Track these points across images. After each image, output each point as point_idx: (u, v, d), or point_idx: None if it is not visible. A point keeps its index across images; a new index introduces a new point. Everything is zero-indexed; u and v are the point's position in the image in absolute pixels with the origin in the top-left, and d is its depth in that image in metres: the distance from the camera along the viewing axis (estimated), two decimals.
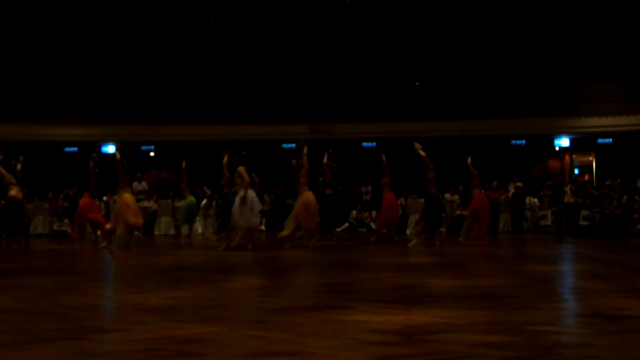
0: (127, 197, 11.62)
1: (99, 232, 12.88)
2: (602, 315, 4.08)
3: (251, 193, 10.49)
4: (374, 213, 18.61)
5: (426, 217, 11.84)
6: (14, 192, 11.63)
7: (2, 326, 3.80)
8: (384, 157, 12.30)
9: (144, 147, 21.63)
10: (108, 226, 11.86)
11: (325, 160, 13.00)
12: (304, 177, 11.35)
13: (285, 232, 11.35)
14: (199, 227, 16.95)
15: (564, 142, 21.10)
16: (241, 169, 10.47)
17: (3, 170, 11.76)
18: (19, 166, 12.26)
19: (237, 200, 10.38)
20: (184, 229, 16.45)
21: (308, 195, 11.23)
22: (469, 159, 12.90)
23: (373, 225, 18.30)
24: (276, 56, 21.76)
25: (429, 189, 12.02)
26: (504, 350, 3.06)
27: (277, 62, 21.79)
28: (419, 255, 9.57)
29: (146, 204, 17.41)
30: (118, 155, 11.92)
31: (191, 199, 15.68)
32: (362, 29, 21.67)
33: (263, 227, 18.50)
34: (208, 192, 16.71)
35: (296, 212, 11.22)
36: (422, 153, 12.13)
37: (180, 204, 16.49)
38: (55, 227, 17.28)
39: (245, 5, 21.47)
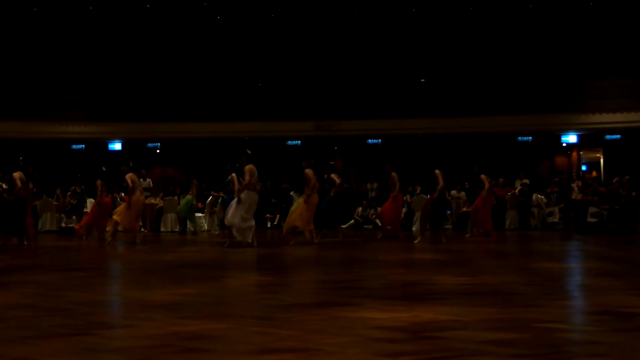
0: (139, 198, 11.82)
1: (108, 228, 13.05)
2: (610, 312, 4.06)
3: (254, 195, 10.44)
4: (379, 209, 18.60)
5: (431, 214, 11.86)
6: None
7: (11, 322, 3.81)
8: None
9: (149, 145, 21.69)
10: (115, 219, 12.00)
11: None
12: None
13: (285, 229, 11.46)
14: (204, 224, 17.00)
15: (571, 138, 20.99)
16: (250, 167, 10.45)
17: (18, 180, 11.84)
18: (36, 173, 12.57)
19: (235, 198, 10.41)
20: (190, 226, 16.51)
21: (313, 197, 11.30)
22: (476, 168, 13.14)
23: (378, 222, 18.30)
24: (281, 53, 21.75)
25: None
26: (511, 347, 3.04)
27: (282, 59, 21.78)
28: (425, 253, 9.56)
29: (152, 200, 17.47)
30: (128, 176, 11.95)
31: (188, 197, 15.91)
32: (368, 25, 21.64)
33: (271, 224, 18.56)
34: (220, 194, 16.78)
35: (295, 210, 11.33)
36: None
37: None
38: (62, 224, 17.35)
39: (250, 3, 21.47)
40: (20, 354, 2.96)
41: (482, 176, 13.15)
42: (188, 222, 16.66)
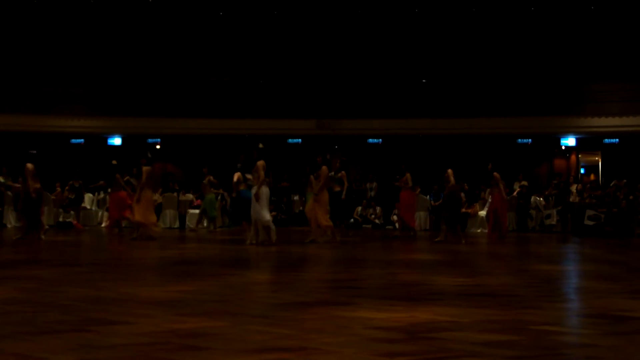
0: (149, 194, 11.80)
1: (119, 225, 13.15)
2: (606, 315, 4.08)
3: (264, 189, 10.49)
4: (378, 209, 18.63)
5: (445, 212, 11.98)
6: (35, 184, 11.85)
7: (8, 317, 3.82)
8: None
9: (150, 140, 21.68)
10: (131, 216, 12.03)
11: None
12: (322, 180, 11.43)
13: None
14: (204, 221, 17.02)
15: (570, 141, 21.04)
16: (260, 163, 10.51)
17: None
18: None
19: (253, 196, 10.50)
20: (189, 223, 16.52)
21: (322, 194, 11.37)
22: (490, 166, 13.20)
23: (377, 221, 18.32)
24: (283, 51, 21.75)
25: (447, 183, 12.11)
26: (508, 349, 3.05)
27: (284, 56, 21.78)
28: (424, 253, 9.58)
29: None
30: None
31: (211, 195, 15.84)
32: (370, 25, 21.64)
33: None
34: (220, 190, 16.81)
35: (309, 209, 11.40)
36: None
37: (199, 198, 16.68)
38: (60, 219, 17.35)
39: (252, 0, 21.46)
40: (17, 349, 2.97)
41: (496, 174, 13.17)
42: (187, 220, 16.68)
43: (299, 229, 15.93)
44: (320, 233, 11.44)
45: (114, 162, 13.25)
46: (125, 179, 14.10)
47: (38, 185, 11.82)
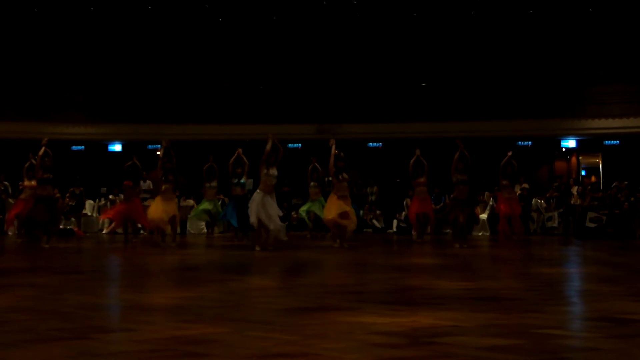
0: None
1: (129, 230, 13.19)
2: (609, 318, 4.06)
3: (262, 195, 10.52)
4: (379, 213, 18.61)
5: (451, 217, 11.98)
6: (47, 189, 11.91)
7: (8, 325, 3.81)
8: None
9: (150, 146, 21.72)
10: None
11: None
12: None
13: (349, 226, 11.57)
14: (203, 227, 17.03)
15: (570, 143, 21.05)
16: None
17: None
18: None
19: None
20: (192, 229, 16.51)
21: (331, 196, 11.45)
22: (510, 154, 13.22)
23: (377, 224, 18.30)
24: (283, 56, 21.79)
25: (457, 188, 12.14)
26: (510, 353, 3.04)
27: (284, 61, 21.81)
28: (425, 257, 9.56)
29: (152, 202, 17.48)
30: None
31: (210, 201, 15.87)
32: (369, 29, 21.68)
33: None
34: (220, 196, 16.82)
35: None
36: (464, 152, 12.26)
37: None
38: (61, 226, 17.34)
39: (252, 5, 21.51)
40: (19, 358, 2.95)
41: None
42: (188, 226, 16.66)
43: (298, 234, 15.91)
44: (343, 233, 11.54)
45: (140, 163, 13.43)
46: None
47: (43, 192, 11.87)
